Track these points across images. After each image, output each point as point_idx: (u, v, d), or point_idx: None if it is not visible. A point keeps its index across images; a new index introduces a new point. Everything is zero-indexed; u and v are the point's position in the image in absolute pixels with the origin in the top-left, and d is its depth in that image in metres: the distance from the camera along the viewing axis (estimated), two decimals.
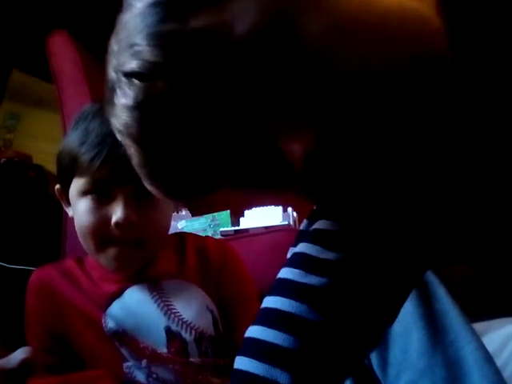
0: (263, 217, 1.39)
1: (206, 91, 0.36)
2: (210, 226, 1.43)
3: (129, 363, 0.78)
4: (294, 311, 0.46)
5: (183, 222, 1.46)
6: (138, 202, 0.77)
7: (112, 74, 0.39)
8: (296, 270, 0.48)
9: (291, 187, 0.42)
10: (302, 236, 0.51)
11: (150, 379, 0.76)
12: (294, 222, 1.43)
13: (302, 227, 0.54)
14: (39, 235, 1.39)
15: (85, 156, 0.76)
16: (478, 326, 0.61)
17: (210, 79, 0.36)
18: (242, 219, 1.43)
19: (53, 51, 1.38)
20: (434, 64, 0.37)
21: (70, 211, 0.85)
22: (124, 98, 0.38)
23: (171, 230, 1.17)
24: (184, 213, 1.56)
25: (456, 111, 0.40)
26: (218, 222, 1.43)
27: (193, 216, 1.53)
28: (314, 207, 0.53)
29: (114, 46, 0.40)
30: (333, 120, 0.36)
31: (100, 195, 0.77)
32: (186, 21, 0.35)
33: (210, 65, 0.35)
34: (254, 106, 0.36)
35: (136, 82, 0.36)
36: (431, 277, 0.61)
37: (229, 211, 1.44)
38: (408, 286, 0.51)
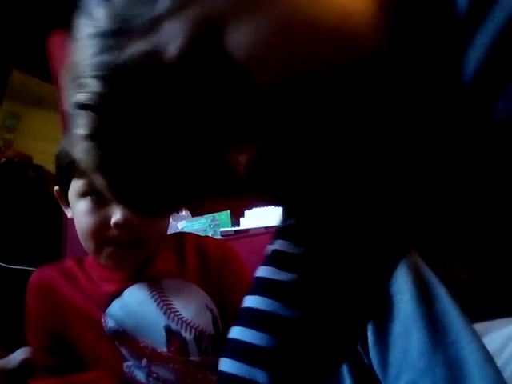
0: (263, 217, 1.39)
1: (148, 117, 0.37)
2: (210, 226, 1.43)
3: (129, 363, 0.78)
4: (268, 309, 0.46)
5: (183, 223, 1.46)
6: None
7: (68, 105, 0.41)
8: (269, 268, 0.48)
9: (246, 194, 0.42)
10: (277, 233, 0.52)
11: (150, 379, 0.76)
12: None
13: (279, 224, 0.54)
14: (39, 235, 1.39)
15: None
16: (479, 327, 0.61)
17: (149, 104, 0.37)
18: (242, 219, 1.43)
19: (53, 51, 1.38)
20: (364, 63, 0.36)
21: (68, 212, 0.85)
22: (78, 128, 0.39)
23: (171, 230, 1.17)
24: (184, 213, 1.56)
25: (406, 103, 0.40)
26: (218, 223, 1.43)
27: (193, 216, 1.53)
28: None
29: (65, 76, 0.41)
30: (271, 129, 0.36)
31: (99, 196, 0.78)
32: (121, 49, 0.36)
33: (145, 90, 0.37)
34: (193, 125, 0.37)
35: (86, 112, 0.38)
36: (432, 277, 0.61)
37: (229, 211, 1.44)
38: (380, 277, 0.51)
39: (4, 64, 1.92)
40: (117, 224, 0.76)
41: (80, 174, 0.77)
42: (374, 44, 0.37)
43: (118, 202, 0.44)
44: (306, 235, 0.48)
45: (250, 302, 0.48)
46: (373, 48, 0.37)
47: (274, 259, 0.49)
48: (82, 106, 0.38)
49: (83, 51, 0.38)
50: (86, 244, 0.81)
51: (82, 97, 0.38)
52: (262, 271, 0.49)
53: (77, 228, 0.82)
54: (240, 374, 0.45)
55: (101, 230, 0.78)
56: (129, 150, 0.38)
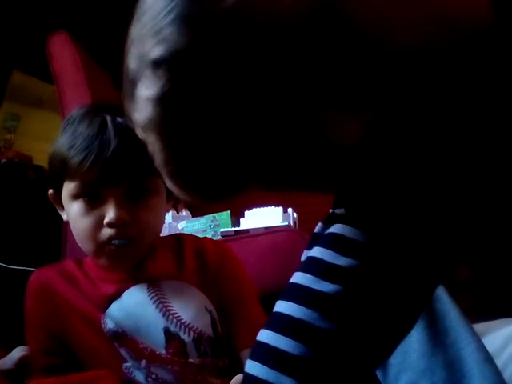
0: (263, 217, 1.39)
1: (242, 79, 0.32)
2: (210, 226, 1.43)
3: (128, 364, 0.77)
4: (305, 318, 0.45)
5: (183, 223, 1.46)
6: (129, 202, 0.78)
7: (133, 63, 0.35)
8: (309, 276, 0.47)
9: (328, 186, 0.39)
10: (316, 239, 0.50)
11: (150, 379, 0.76)
12: (295, 222, 1.43)
13: (316, 230, 0.53)
14: (39, 236, 1.39)
15: (73, 160, 0.77)
16: (478, 327, 0.61)
17: (249, 65, 0.32)
18: (242, 220, 1.42)
19: (53, 52, 1.38)
20: (475, 35, 0.34)
21: (64, 215, 0.85)
22: (148, 89, 0.34)
23: (171, 231, 1.17)
24: (184, 213, 1.56)
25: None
26: (218, 223, 1.43)
27: (193, 216, 1.53)
28: (330, 210, 0.52)
29: (135, 32, 0.36)
30: (386, 104, 0.34)
31: (91, 198, 0.78)
32: (218, 0, 0.31)
33: (246, 49, 0.31)
34: (298, 94, 0.32)
35: (162, 70, 0.33)
36: None
37: (229, 212, 1.44)
38: (423, 300, 0.50)
39: (4, 65, 1.92)
40: (110, 223, 0.76)
41: (71, 176, 0.78)
42: (478, 16, 0.34)
43: (174, 178, 0.38)
44: (360, 248, 0.46)
45: (285, 308, 0.47)
46: (478, 20, 0.34)
47: (314, 267, 0.47)
48: (159, 63, 0.33)
49: (169, 2, 0.32)
50: (84, 246, 0.81)
51: (161, 52, 0.32)
52: (300, 278, 0.48)
53: (72, 231, 0.82)
54: (270, 380, 0.44)
55: (96, 231, 0.78)
56: (206, 118, 0.33)
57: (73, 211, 0.80)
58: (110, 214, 0.76)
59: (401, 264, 0.46)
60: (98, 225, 0.77)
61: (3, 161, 1.49)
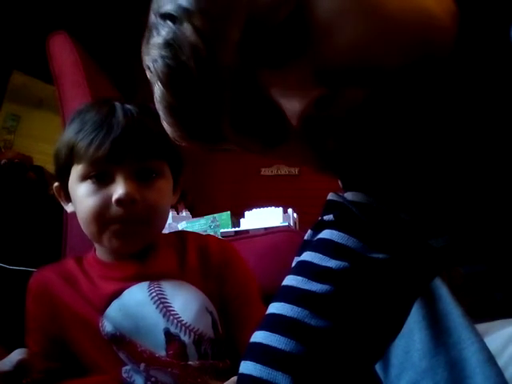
0: (263, 218, 1.39)
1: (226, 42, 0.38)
2: (210, 227, 1.43)
3: (127, 367, 0.77)
4: (296, 316, 0.46)
5: (183, 224, 1.46)
6: (137, 181, 0.78)
7: (152, 16, 0.43)
8: (299, 278, 0.49)
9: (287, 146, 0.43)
10: (306, 245, 0.52)
11: (149, 383, 0.75)
12: (295, 223, 1.43)
13: (306, 237, 0.55)
14: (39, 236, 1.39)
15: (82, 142, 0.77)
16: (480, 327, 0.61)
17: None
18: (242, 220, 1.42)
19: (53, 52, 1.38)
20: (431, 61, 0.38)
21: (68, 207, 0.85)
22: (156, 36, 0.41)
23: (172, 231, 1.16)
24: (184, 214, 1.56)
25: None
26: (218, 223, 1.43)
27: (193, 217, 1.53)
28: (319, 218, 0.54)
29: None
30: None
31: (99, 178, 0.78)
32: None
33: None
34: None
35: (168, 23, 0.40)
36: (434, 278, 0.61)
37: (229, 212, 1.44)
38: (412, 296, 0.52)
39: (4, 65, 1.92)
40: (118, 200, 0.76)
41: (80, 157, 0.77)
42: (448, 35, 0.39)
43: (165, 113, 0.44)
44: (347, 252, 0.49)
45: (276, 308, 0.48)
46: (447, 40, 0.39)
47: (303, 270, 0.49)
48: (166, 16, 0.40)
49: None
50: (89, 228, 0.80)
51: (168, 8, 0.40)
52: (291, 280, 0.49)
53: (79, 214, 0.81)
54: (263, 377, 0.45)
55: (103, 210, 0.77)
56: (194, 66, 0.40)
57: (80, 193, 0.79)
58: (118, 191, 0.76)
59: (388, 265, 0.48)
60: (106, 204, 0.77)
61: (3, 161, 1.49)
